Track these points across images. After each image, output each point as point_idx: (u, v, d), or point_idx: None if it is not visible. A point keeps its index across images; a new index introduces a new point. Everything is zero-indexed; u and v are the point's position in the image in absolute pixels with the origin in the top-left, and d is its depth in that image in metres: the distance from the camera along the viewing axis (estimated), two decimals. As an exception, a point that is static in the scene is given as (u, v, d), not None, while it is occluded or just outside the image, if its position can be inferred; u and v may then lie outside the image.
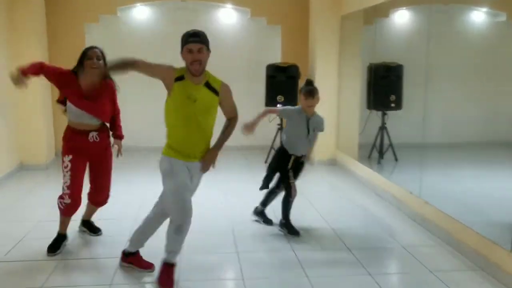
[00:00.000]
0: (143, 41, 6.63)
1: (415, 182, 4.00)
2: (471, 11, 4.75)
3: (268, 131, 6.21)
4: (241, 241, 3.39)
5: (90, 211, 3.48)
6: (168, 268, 2.62)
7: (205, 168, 2.71)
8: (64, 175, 3.11)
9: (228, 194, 4.64)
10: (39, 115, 5.57)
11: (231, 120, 2.84)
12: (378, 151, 5.96)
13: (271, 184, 3.69)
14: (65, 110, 3.14)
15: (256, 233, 3.55)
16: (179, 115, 2.60)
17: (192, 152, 2.65)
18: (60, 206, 3.15)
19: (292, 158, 3.51)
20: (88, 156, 3.20)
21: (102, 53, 3.13)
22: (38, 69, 3.03)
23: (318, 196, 4.62)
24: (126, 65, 2.62)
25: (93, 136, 3.13)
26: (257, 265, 3.00)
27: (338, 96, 6.02)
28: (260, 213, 3.77)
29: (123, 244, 3.09)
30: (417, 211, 3.84)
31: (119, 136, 3.42)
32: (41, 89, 5.48)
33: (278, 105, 5.81)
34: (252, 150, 6.80)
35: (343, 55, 5.94)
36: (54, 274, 2.83)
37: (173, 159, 2.62)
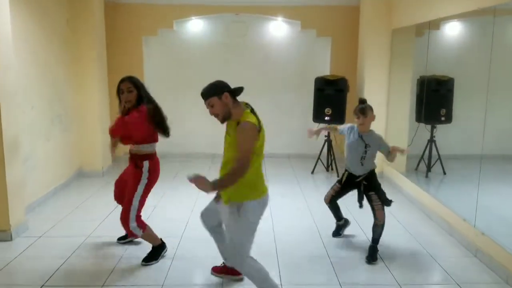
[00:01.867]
0: (197, 53, 7.13)
1: (467, 205, 3.92)
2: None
3: (313, 144, 6.48)
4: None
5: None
6: None
7: (194, 181, 2.47)
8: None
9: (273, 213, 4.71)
10: (97, 126, 6.05)
11: (235, 160, 2.55)
12: (426, 164, 6.07)
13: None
14: None
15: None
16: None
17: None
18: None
19: (346, 173, 3.75)
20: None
21: (133, 82, 3.30)
22: (120, 128, 3.32)
23: (361, 211, 4.80)
24: None
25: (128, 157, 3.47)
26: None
27: (387, 108, 6.17)
28: (341, 227, 4.05)
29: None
30: (471, 240, 3.74)
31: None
32: (99, 104, 6.03)
33: (326, 118, 6.07)
34: (299, 158, 7.10)
35: (393, 68, 6.08)
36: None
37: None
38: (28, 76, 4.64)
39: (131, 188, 3.36)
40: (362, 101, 3.69)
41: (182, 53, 7.09)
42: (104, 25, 6.21)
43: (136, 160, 3.37)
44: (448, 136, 6.05)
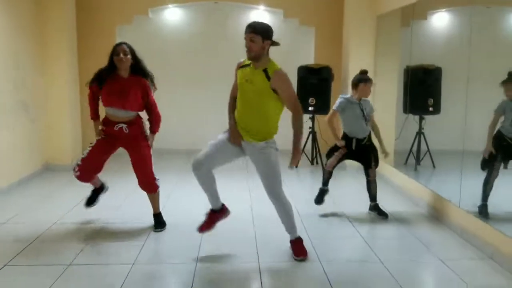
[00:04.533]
0: (174, 42, 7.07)
1: (455, 191, 4.05)
2: None
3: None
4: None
5: (151, 202, 3.92)
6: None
7: (292, 165, 3.26)
8: (86, 149, 3.75)
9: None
10: (66, 116, 5.96)
11: (293, 114, 3.19)
12: (415, 157, 6.06)
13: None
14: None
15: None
16: (240, 95, 3.21)
17: (245, 128, 3.20)
18: (74, 175, 3.76)
19: (354, 140, 4.19)
20: (119, 143, 3.76)
21: (130, 48, 3.64)
22: (92, 101, 3.79)
23: (349, 200, 4.84)
24: (233, 105, 3.32)
25: (122, 127, 3.67)
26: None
27: (373, 99, 6.15)
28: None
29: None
30: (457, 222, 3.90)
31: (152, 131, 3.91)
32: (68, 91, 5.93)
33: (310, 108, 6.02)
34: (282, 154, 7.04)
35: (379, 57, 6.13)
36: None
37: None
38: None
39: (145, 151, 3.75)
40: (364, 72, 4.28)
41: (158, 42, 7.03)
42: (75, 8, 6.13)
43: (138, 125, 3.75)
44: (438, 129, 6.05)
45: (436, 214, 4.29)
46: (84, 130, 6.33)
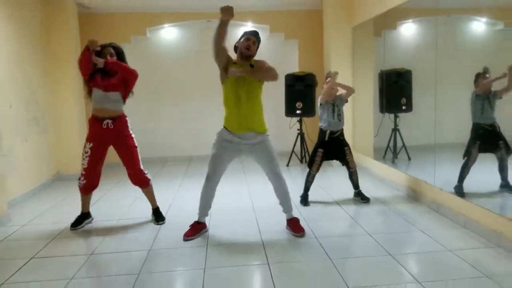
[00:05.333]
0: (171, 59, 7.30)
1: (430, 174, 4.32)
2: (472, 21, 5.17)
3: (287, 140, 6.69)
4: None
5: (148, 197, 4.01)
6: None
7: (238, 70, 3.28)
8: (84, 159, 3.75)
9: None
10: (74, 128, 6.09)
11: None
12: (392, 151, 6.36)
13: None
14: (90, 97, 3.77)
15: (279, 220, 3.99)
16: (234, 90, 3.37)
17: (246, 120, 3.40)
18: (79, 185, 3.82)
19: (328, 132, 4.44)
20: (108, 143, 3.78)
21: (116, 48, 3.78)
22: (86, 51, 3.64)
23: (335, 188, 5.08)
24: (223, 39, 3.29)
25: (107, 123, 3.69)
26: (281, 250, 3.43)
27: (353, 102, 6.47)
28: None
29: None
30: (433, 199, 4.16)
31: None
32: (76, 104, 6.11)
33: (298, 111, 6.31)
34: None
35: (356, 63, 6.45)
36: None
37: (222, 130, 3.51)
38: (4, 75, 4.70)
39: (131, 146, 3.78)
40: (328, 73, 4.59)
41: (156, 60, 7.25)
42: (79, 32, 6.34)
43: (123, 122, 3.77)
44: (411, 126, 6.37)
45: (414, 195, 4.56)
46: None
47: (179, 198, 4.87)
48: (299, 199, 4.55)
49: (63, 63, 5.96)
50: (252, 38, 3.40)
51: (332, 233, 3.60)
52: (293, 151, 6.68)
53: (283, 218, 3.73)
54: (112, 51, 3.71)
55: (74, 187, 5.44)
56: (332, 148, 4.48)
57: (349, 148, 4.56)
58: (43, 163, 5.65)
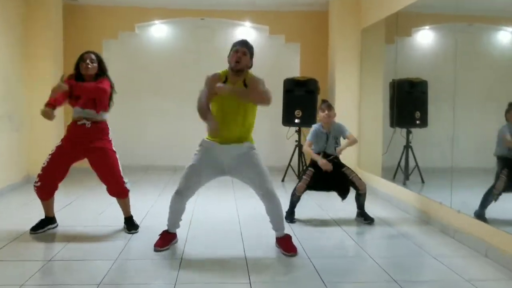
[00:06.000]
0: (161, 58, 7.20)
1: (446, 196, 4.12)
2: (497, 31, 5.05)
3: (284, 152, 6.50)
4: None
5: (123, 207, 3.91)
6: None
7: (225, 87, 3.22)
8: (47, 158, 3.68)
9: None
10: (50, 130, 5.91)
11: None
12: (403, 172, 6.14)
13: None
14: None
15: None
16: (221, 107, 3.33)
17: (228, 135, 3.29)
18: (34, 189, 3.69)
19: (321, 154, 4.33)
20: (81, 146, 3.67)
21: (97, 56, 3.77)
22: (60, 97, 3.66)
23: (334, 206, 4.87)
24: (207, 107, 3.30)
25: (84, 123, 3.66)
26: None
27: (359, 113, 6.31)
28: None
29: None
30: (448, 222, 3.96)
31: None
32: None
33: (296, 120, 6.14)
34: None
35: (364, 71, 6.32)
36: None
37: (204, 140, 3.40)
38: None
39: (111, 155, 3.74)
40: (325, 101, 4.55)
41: (145, 58, 7.16)
42: (62, 24, 6.30)
43: (102, 127, 3.76)
44: (426, 145, 6.16)
45: (426, 218, 4.34)
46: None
47: (158, 207, 4.73)
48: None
49: (43, 57, 5.91)
50: (241, 49, 3.31)
51: (327, 254, 3.40)
52: (289, 164, 6.47)
53: (273, 233, 3.53)
54: (93, 56, 3.74)
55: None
56: (326, 172, 4.28)
57: (349, 168, 4.38)
58: (13, 164, 5.56)
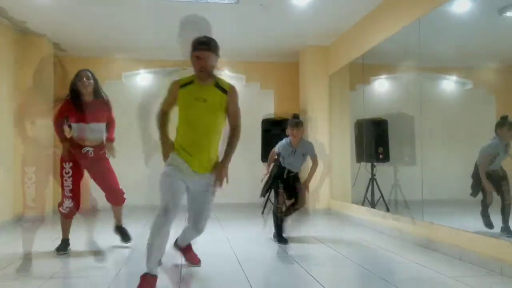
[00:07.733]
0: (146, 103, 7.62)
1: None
2: (441, 80, 5.76)
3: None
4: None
5: (116, 214, 4.15)
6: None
7: (219, 182, 3.00)
8: (66, 180, 3.77)
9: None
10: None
11: (234, 130, 3.08)
12: (370, 202, 6.70)
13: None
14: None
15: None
16: (188, 116, 2.98)
17: (198, 155, 2.96)
18: (63, 211, 3.81)
19: (286, 170, 4.67)
20: (84, 165, 3.91)
21: (92, 74, 3.92)
22: (58, 127, 3.89)
23: (317, 231, 5.24)
24: (165, 119, 3.12)
25: (88, 151, 3.87)
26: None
27: (330, 150, 6.91)
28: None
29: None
30: (423, 235, 4.35)
31: (110, 139, 4.10)
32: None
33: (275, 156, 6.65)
34: (247, 207, 7.53)
35: (333, 113, 7.00)
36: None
37: (174, 155, 3.00)
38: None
39: (110, 169, 3.98)
40: (296, 116, 4.77)
41: (131, 105, 7.60)
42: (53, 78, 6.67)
43: (101, 147, 3.98)
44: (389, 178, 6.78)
45: (400, 235, 4.82)
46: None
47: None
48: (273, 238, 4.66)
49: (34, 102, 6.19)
50: (203, 54, 2.90)
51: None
52: (268, 198, 6.93)
53: (282, 270, 3.54)
54: (89, 74, 3.87)
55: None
56: (288, 184, 4.66)
57: (303, 187, 4.70)
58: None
